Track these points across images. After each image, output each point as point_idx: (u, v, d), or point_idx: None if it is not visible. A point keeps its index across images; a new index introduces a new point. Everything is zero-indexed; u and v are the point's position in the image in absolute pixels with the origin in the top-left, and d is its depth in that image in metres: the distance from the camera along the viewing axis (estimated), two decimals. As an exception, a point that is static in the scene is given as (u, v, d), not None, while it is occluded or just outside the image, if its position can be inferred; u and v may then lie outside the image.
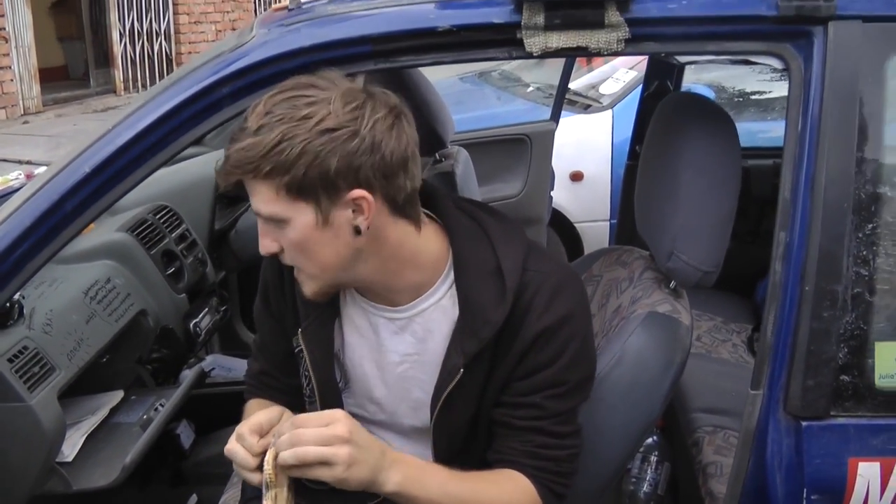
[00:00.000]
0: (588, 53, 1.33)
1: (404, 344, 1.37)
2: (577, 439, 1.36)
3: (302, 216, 1.21)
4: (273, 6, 1.60)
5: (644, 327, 1.49)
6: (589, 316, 1.39)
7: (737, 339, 2.77)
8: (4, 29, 8.85)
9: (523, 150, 3.63)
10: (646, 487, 2.25)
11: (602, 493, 1.52)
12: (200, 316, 2.40)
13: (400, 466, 1.23)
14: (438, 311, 1.35)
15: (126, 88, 10.74)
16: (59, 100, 9.93)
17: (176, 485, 2.47)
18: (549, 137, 3.62)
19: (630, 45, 1.32)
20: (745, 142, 3.22)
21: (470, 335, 1.31)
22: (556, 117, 3.67)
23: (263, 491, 1.18)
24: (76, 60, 11.08)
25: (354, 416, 1.43)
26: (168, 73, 11.31)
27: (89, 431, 1.93)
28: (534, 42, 1.31)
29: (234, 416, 1.46)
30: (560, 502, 1.35)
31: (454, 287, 1.34)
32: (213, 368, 2.74)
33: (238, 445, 1.22)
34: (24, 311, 1.78)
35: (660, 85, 2.93)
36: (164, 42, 11.16)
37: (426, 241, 1.33)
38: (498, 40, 1.34)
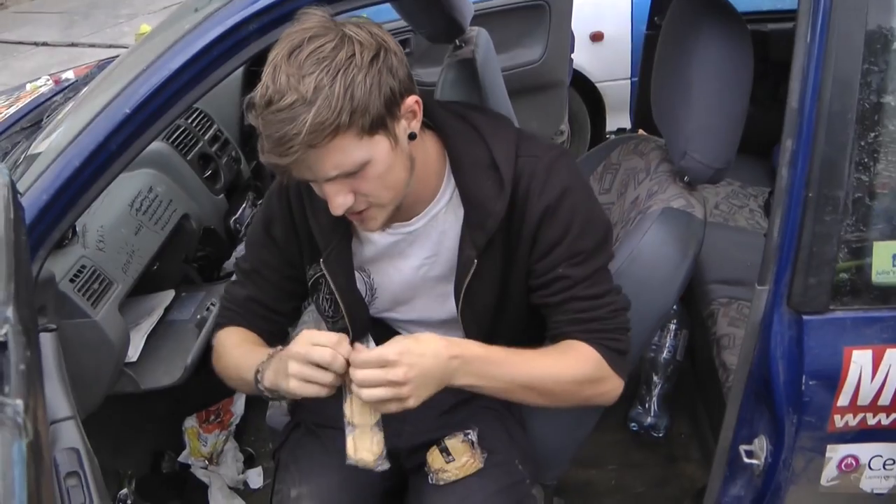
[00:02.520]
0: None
1: (422, 249, 1.47)
2: (615, 296, 1.44)
3: (380, 147, 1.25)
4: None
5: (659, 223, 1.58)
6: (586, 186, 1.46)
7: (753, 203, 2.84)
8: None
9: (542, 15, 3.59)
10: (665, 354, 2.40)
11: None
12: (239, 212, 2.51)
13: (466, 371, 1.31)
14: (448, 212, 1.44)
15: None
16: (65, -30, 9.66)
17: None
18: (567, 2, 3.57)
19: None
20: (764, 5, 3.17)
21: (477, 228, 1.40)
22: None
23: (344, 397, 1.30)
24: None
25: (386, 319, 1.57)
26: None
27: (148, 332, 2.09)
28: None
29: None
30: (622, 357, 1.43)
31: (457, 186, 1.42)
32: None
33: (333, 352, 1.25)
34: (77, 229, 1.88)
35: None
36: None
37: (429, 146, 1.41)
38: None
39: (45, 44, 7.16)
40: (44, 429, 1.04)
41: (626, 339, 1.44)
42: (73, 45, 7.05)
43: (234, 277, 1.65)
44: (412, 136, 1.31)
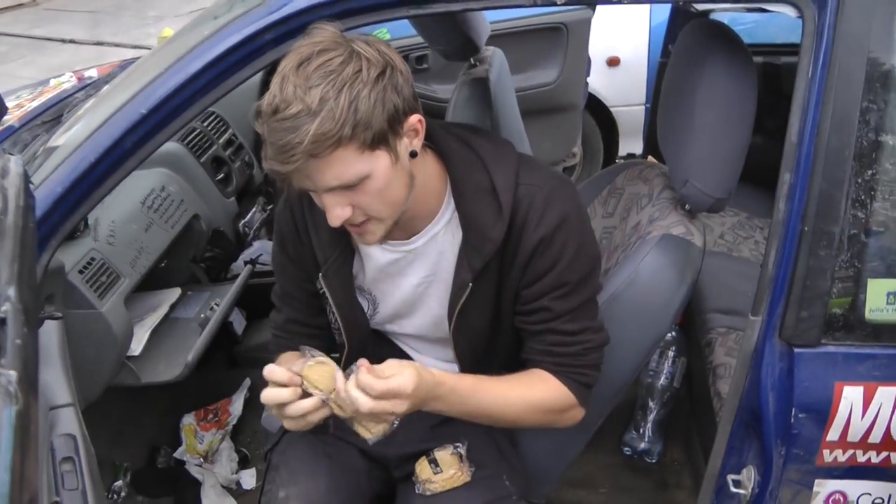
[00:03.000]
0: (609, 1, 1.39)
1: (421, 269, 1.49)
2: (592, 334, 1.46)
3: (381, 162, 1.26)
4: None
5: (658, 249, 1.59)
6: (582, 218, 1.47)
7: (759, 235, 2.84)
8: None
9: (560, 38, 3.61)
10: (662, 380, 2.41)
11: (615, 397, 1.67)
12: (249, 216, 2.54)
13: (440, 401, 1.36)
14: (447, 233, 1.46)
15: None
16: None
17: (231, 368, 2.67)
18: (585, 25, 3.58)
19: None
20: (779, 37, 3.17)
21: (474, 253, 1.42)
22: (592, 4, 3.63)
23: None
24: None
25: (386, 331, 1.59)
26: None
27: (153, 327, 2.11)
28: None
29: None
30: (588, 389, 1.48)
31: (457, 209, 1.44)
32: (260, 255, 2.86)
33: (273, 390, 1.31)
34: (89, 222, 1.91)
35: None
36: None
37: (430, 167, 1.42)
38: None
39: (72, 41, 7.24)
40: (34, 403, 1.07)
41: (595, 375, 1.48)
42: (99, 43, 7.13)
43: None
44: (413, 154, 1.33)
